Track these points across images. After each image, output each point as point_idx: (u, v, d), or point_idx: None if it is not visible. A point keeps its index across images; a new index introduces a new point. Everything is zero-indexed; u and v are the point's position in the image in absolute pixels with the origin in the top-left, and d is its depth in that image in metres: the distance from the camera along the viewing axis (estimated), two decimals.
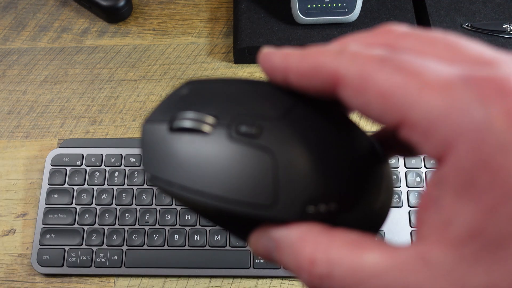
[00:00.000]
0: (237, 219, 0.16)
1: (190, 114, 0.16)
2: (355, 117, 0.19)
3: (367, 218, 0.17)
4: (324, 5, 0.47)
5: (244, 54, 0.49)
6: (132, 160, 0.44)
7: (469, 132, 0.12)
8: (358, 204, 0.16)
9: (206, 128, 0.16)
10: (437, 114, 0.12)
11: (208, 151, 0.15)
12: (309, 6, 0.47)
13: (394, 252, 0.13)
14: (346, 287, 0.13)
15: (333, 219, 0.15)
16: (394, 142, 0.20)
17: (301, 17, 0.47)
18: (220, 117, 0.16)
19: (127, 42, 0.52)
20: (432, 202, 0.13)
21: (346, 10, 0.47)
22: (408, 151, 0.20)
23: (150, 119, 0.18)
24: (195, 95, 0.17)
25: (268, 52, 0.17)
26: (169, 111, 0.17)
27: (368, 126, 0.47)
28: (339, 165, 0.16)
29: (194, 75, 0.50)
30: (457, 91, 0.12)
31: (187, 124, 0.16)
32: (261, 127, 0.15)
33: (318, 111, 0.17)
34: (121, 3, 0.51)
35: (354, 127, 0.18)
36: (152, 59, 0.51)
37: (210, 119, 0.16)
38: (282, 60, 0.16)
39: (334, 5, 0.47)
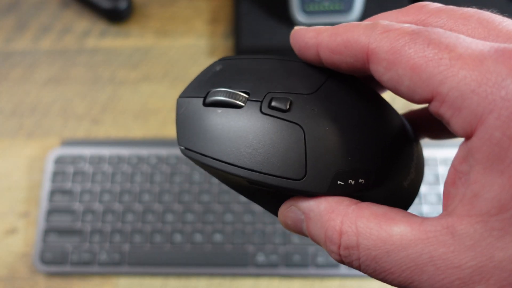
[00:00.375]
0: (267, 191, 0.17)
1: (224, 89, 0.17)
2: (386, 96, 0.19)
3: (396, 196, 0.17)
4: (323, 7, 0.48)
5: (245, 55, 0.49)
6: (133, 159, 0.44)
7: (500, 104, 0.12)
8: (387, 181, 0.16)
9: (239, 102, 0.16)
10: (469, 87, 0.12)
11: (241, 125, 0.16)
12: (308, 8, 0.47)
13: (422, 224, 0.13)
14: (373, 258, 0.14)
15: (362, 194, 0.16)
16: (424, 123, 0.20)
17: (300, 19, 0.48)
18: (252, 93, 0.16)
19: (128, 44, 0.52)
20: (460, 175, 0.13)
21: (346, 11, 0.47)
22: (438, 132, 0.20)
23: (184, 94, 0.18)
24: (228, 72, 0.18)
25: (300, 30, 0.17)
26: (203, 86, 0.18)
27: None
28: (369, 142, 0.16)
29: (195, 76, 0.50)
30: (489, 64, 0.12)
31: (221, 98, 0.16)
32: (292, 102, 0.16)
33: (349, 88, 0.17)
34: (123, 5, 0.51)
35: (386, 105, 0.18)
36: (154, 60, 0.51)
37: (243, 94, 0.16)
38: (314, 36, 0.17)
39: (334, 7, 0.47)
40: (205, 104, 0.17)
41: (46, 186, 0.44)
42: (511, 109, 0.12)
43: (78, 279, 0.42)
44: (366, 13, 0.49)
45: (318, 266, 0.41)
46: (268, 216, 0.42)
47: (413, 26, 0.14)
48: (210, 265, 0.41)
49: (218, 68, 0.18)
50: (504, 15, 0.15)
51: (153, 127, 0.48)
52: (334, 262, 0.41)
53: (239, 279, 0.42)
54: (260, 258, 0.41)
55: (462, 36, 0.13)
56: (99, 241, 0.42)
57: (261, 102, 0.16)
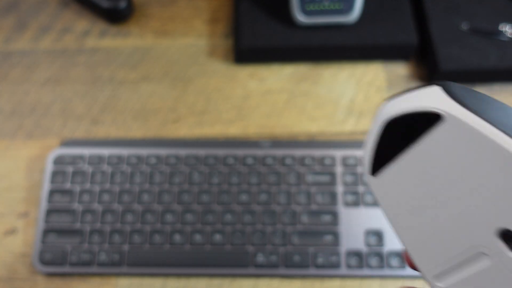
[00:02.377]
0: None
1: None
2: None
3: None
4: (323, 7, 0.47)
5: (244, 55, 0.49)
6: (133, 160, 0.44)
7: None
8: None
9: None
10: None
11: None
12: (309, 7, 0.47)
13: None
14: None
15: None
16: None
17: (301, 19, 0.48)
18: None
19: (128, 43, 0.52)
20: None
21: (346, 11, 0.47)
22: None
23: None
24: None
25: None
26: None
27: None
28: None
29: (195, 76, 0.50)
30: None
31: None
32: None
33: None
34: (123, 5, 0.51)
35: None
36: (153, 60, 0.51)
37: None
38: None
39: (334, 6, 0.47)
40: None
41: (46, 186, 0.44)
42: None
43: (77, 280, 0.42)
44: (366, 15, 0.49)
45: (318, 266, 0.41)
46: (268, 216, 0.42)
47: None
48: (210, 266, 0.41)
49: None
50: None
51: (152, 127, 0.48)
52: (334, 262, 0.41)
53: (239, 279, 0.41)
54: (260, 258, 0.41)
55: None
56: (98, 242, 0.42)
57: None
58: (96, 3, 0.51)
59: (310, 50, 0.49)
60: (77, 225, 0.42)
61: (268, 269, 0.41)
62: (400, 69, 0.50)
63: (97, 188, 0.43)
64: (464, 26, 0.48)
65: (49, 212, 0.43)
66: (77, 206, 0.43)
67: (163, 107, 0.49)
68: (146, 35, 0.53)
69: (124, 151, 0.45)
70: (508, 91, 0.49)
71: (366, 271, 0.40)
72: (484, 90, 0.49)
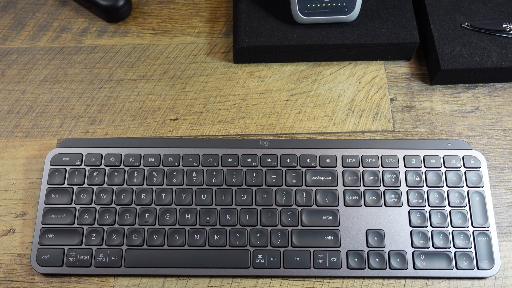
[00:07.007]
0: None
1: None
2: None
3: None
4: (323, 5, 0.47)
5: (243, 53, 0.49)
6: (131, 159, 0.44)
7: None
8: None
9: None
10: None
11: None
12: (308, 5, 0.47)
13: None
14: None
15: None
16: None
17: (300, 17, 0.47)
18: None
19: (126, 42, 0.52)
20: None
21: (346, 9, 0.47)
22: None
23: None
24: None
25: None
26: None
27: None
28: None
29: (193, 74, 0.50)
30: None
31: None
32: None
33: None
34: (121, 3, 0.50)
35: None
36: (152, 58, 0.51)
37: None
38: None
39: (334, 4, 0.47)
40: None
41: (43, 186, 0.43)
42: None
43: (75, 281, 0.41)
44: (366, 12, 0.49)
45: (318, 267, 0.40)
46: (267, 216, 0.42)
47: None
48: (209, 267, 0.40)
49: None
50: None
51: (151, 127, 0.47)
52: (335, 263, 0.40)
53: (239, 280, 0.41)
54: (260, 259, 0.40)
55: None
56: (96, 242, 0.41)
57: None
58: (95, 1, 0.50)
59: (310, 48, 0.48)
60: (75, 226, 0.42)
61: (267, 270, 0.40)
62: (401, 68, 0.50)
63: (95, 188, 0.43)
64: (465, 25, 0.48)
65: (47, 212, 0.42)
66: (74, 207, 0.42)
67: (162, 106, 0.48)
68: (144, 33, 0.52)
69: (122, 151, 0.44)
70: (510, 90, 0.48)
71: (367, 272, 0.40)
72: (485, 89, 0.49)
